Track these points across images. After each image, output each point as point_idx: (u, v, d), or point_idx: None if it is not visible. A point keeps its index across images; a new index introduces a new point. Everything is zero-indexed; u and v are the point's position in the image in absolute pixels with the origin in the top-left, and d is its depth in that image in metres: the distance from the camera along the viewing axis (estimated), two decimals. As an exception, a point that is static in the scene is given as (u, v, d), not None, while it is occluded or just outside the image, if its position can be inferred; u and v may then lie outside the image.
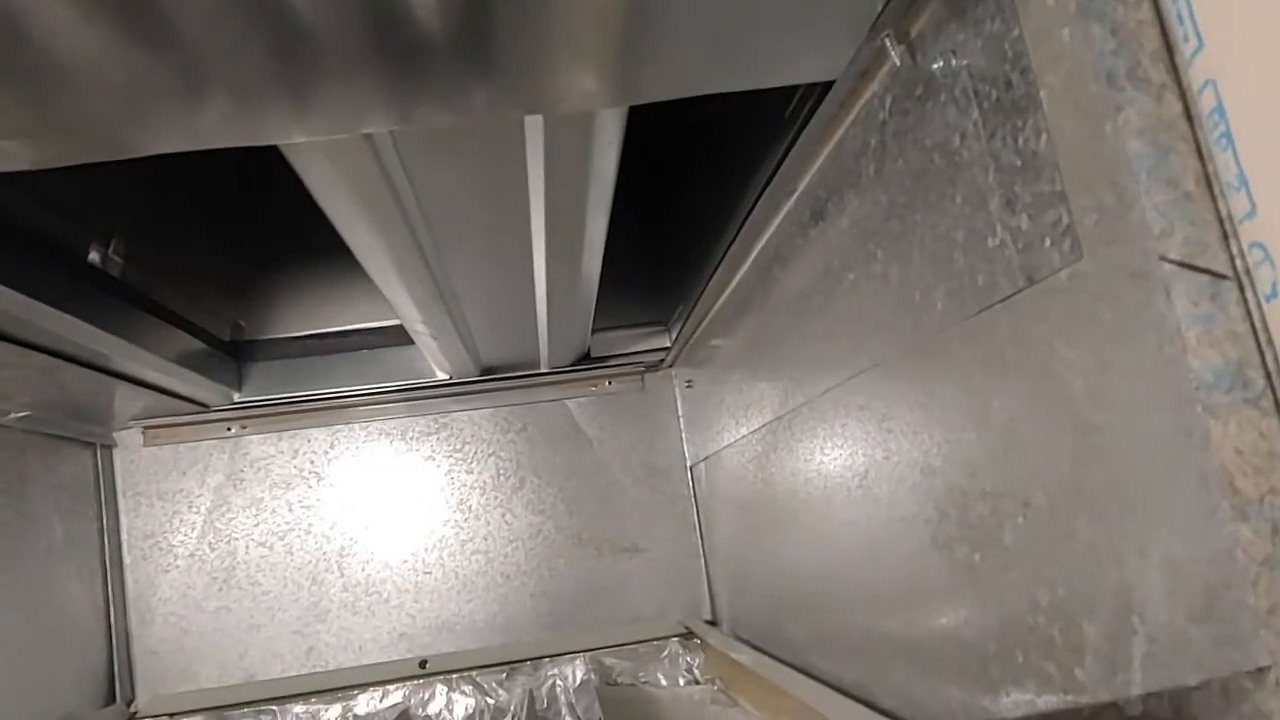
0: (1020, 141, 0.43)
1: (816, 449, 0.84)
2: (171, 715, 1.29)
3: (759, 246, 0.88)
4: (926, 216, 0.55)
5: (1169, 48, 0.31)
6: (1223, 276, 0.30)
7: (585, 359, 1.42)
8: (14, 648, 1.10)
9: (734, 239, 0.91)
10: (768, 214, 0.81)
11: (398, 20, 0.47)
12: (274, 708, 1.31)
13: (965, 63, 0.48)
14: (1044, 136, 0.41)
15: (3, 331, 0.86)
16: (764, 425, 1.00)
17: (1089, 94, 0.36)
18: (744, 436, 1.10)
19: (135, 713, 1.29)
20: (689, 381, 1.43)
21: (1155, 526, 0.36)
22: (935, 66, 0.51)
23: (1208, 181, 0.30)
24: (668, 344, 1.42)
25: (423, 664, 1.36)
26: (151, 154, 0.55)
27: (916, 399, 0.60)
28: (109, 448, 1.37)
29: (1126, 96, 0.33)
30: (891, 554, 0.67)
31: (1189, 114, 0.31)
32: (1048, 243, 0.42)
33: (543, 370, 1.42)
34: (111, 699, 1.28)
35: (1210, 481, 0.31)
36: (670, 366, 1.49)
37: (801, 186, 0.73)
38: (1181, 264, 0.31)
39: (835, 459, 0.78)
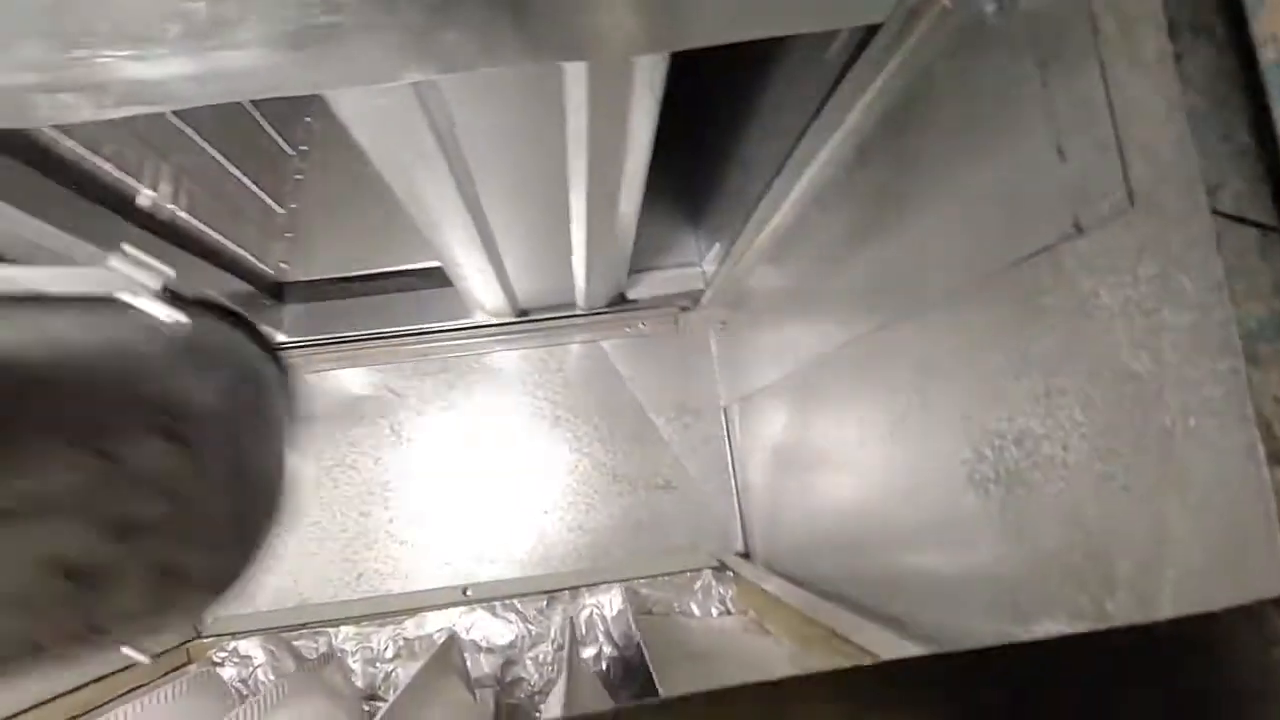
0: (1075, 88, 0.43)
1: (854, 392, 0.85)
2: (233, 635, 1.37)
3: (798, 188, 0.87)
4: (973, 162, 0.55)
5: (1232, -3, 0.31)
6: (1272, 229, 0.30)
7: (621, 300, 1.44)
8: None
9: (773, 180, 0.90)
10: (808, 155, 0.81)
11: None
12: (328, 630, 1.39)
13: (1020, 5, 0.47)
14: (1100, 83, 0.41)
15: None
16: (800, 368, 1.01)
17: (1148, 42, 0.36)
18: (780, 379, 1.11)
19: (200, 633, 1.38)
20: (723, 322, 1.44)
21: (1192, 469, 0.37)
22: (988, 8, 0.50)
23: (1262, 136, 0.30)
24: (703, 285, 1.42)
25: (465, 591, 1.43)
26: (198, 105, 0.57)
27: (956, 343, 0.60)
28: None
29: (1186, 46, 0.33)
30: (926, 494, 0.69)
31: (1248, 67, 0.31)
32: (1098, 191, 0.42)
33: (579, 311, 1.44)
34: (178, 619, 1.37)
35: (1249, 426, 0.32)
36: (705, 308, 1.49)
37: (844, 129, 0.72)
38: (1231, 216, 0.31)
39: (873, 401, 0.79)
